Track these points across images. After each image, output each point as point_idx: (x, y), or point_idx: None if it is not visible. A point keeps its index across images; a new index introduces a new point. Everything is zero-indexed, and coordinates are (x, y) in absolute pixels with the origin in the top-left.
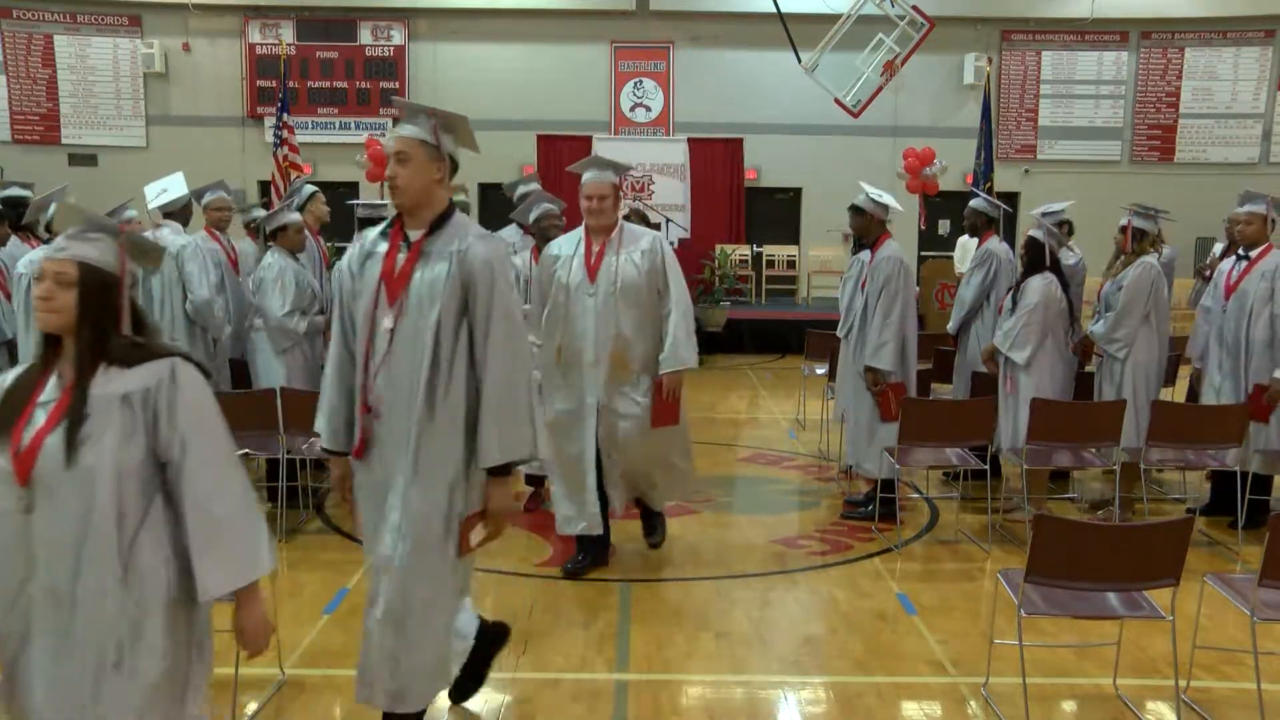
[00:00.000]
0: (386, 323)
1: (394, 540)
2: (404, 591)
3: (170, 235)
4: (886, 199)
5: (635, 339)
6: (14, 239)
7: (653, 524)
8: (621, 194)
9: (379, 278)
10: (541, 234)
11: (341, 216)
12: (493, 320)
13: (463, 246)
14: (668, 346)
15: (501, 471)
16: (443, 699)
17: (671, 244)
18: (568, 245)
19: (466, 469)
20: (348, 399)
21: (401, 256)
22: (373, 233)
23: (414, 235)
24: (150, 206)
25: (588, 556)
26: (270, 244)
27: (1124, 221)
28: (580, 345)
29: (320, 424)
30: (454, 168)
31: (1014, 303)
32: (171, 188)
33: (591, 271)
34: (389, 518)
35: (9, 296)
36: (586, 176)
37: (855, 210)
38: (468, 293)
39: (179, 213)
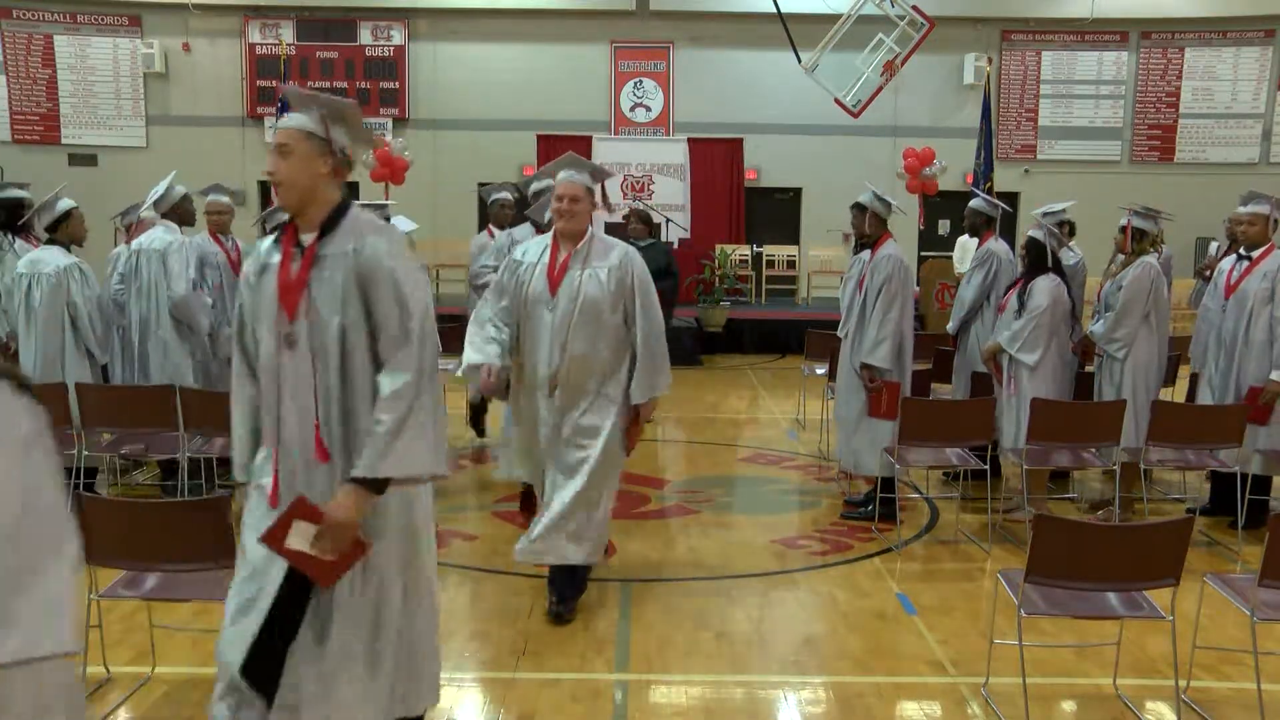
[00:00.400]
0: (288, 340)
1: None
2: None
3: (161, 233)
4: (888, 198)
5: (591, 361)
6: (19, 240)
7: (563, 588)
8: (597, 203)
9: (275, 292)
10: None
11: None
12: (388, 325)
13: (357, 245)
14: (637, 375)
15: (373, 486)
16: (443, 700)
17: (671, 244)
18: (534, 251)
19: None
20: (256, 430)
21: (295, 265)
22: (266, 242)
23: (307, 240)
24: (142, 210)
25: (564, 600)
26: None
27: (1124, 222)
28: (534, 362)
29: (233, 456)
30: (347, 163)
31: (1020, 303)
32: (158, 189)
33: (553, 283)
34: None
35: None
36: (559, 175)
37: (858, 207)
38: (368, 295)
39: (179, 212)
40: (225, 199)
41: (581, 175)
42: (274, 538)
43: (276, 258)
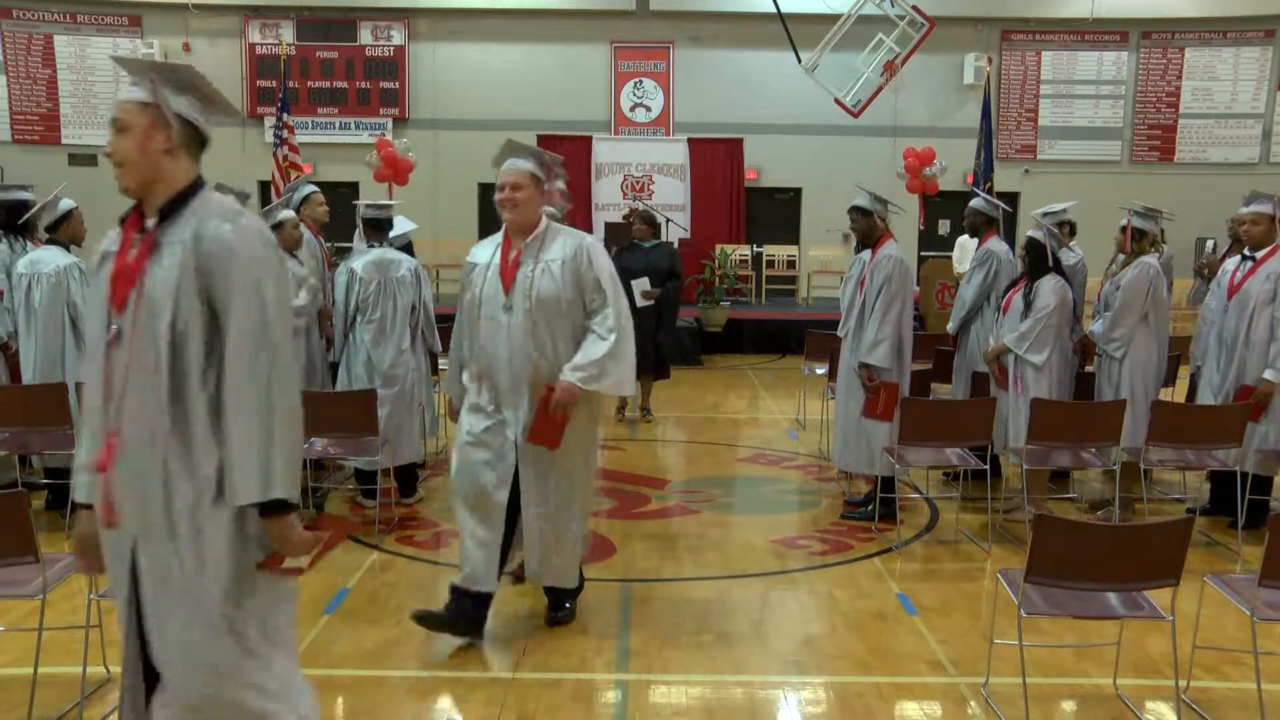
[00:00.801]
0: (117, 336)
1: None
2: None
3: None
4: (884, 198)
5: (555, 365)
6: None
7: (557, 598)
8: (547, 189)
9: (109, 280)
10: None
11: (342, 216)
12: (232, 327)
13: (197, 232)
14: (580, 353)
15: (272, 509)
16: (443, 700)
17: (672, 244)
18: (485, 250)
19: (243, 513)
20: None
21: (132, 253)
22: (114, 230)
23: (151, 223)
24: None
25: (460, 618)
26: None
27: (1124, 221)
28: (495, 369)
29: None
30: (200, 139)
31: (1026, 304)
32: None
33: (506, 282)
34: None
35: None
36: (503, 165)
37: (860, 211)
38: (210, 290)
39: None
40: (229, 199)
41: (524, 162)
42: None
43: (117, 245)
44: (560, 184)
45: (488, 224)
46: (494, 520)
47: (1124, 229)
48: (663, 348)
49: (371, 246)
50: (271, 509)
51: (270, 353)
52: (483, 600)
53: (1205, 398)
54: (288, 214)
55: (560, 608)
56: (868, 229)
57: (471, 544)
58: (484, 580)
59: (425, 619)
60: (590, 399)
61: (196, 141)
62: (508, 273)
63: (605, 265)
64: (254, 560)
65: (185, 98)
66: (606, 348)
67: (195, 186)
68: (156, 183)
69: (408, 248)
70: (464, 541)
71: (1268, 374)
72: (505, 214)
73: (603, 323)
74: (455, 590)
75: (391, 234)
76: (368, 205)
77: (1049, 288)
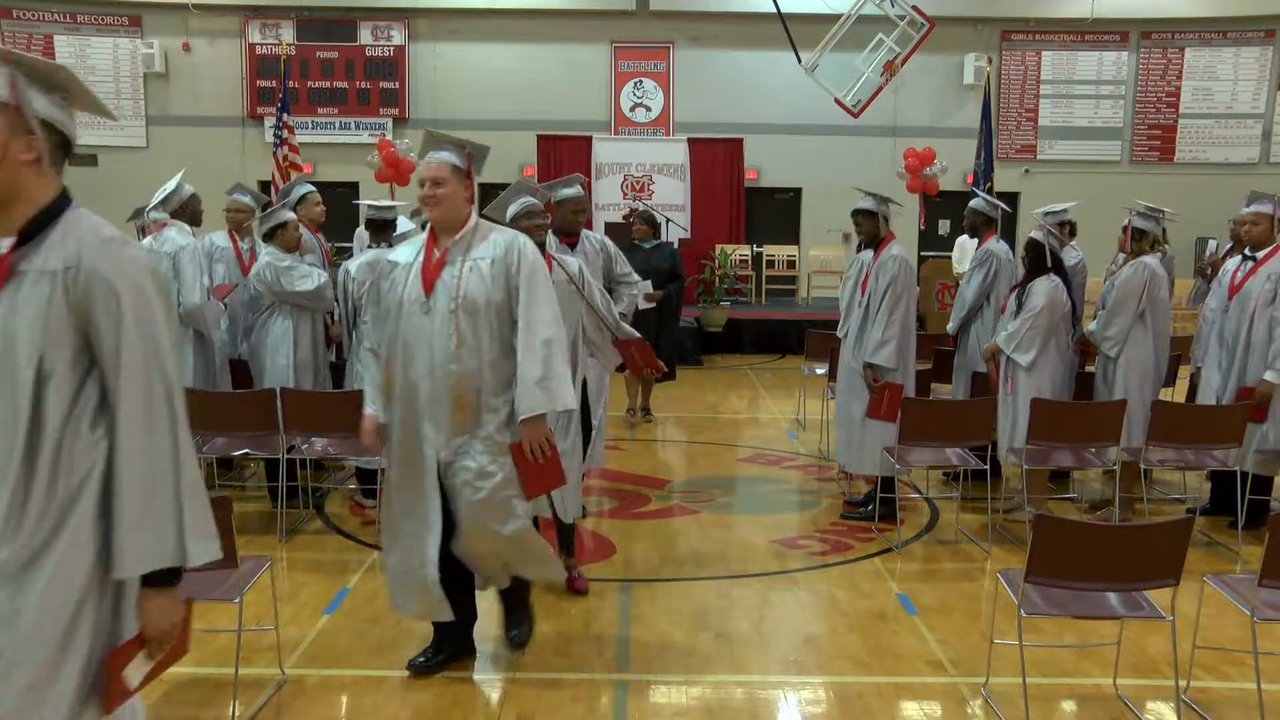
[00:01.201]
0: None
1: None
2: None
3: (174, 235)
4: (888, 198)
5: (483, 373)
6: None
7: (516, 614)
8: (474, 177)
9: None
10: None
11: (340, 217)
12: (124, 370)
13: (71, 262)
14: (520, 383)
15: (159, 580)
16: (443, 699)
17: (673, 244)
18: (408, 250)
19: (104, 578)
20: None
21: None
22: None
23: (5, 245)
24: (148, 211)
25: (440, 651)
26: (264, 242)
27: (1125, 222)
28: (414, 379)
29: None
30: (63, 143)
31: (1019, 304)
32: (167, 187)
33: (427, 282)
34: None
35: None
36: (425, 158)
37: (866, 214)
38: (88, 331)
39: (187, 212)
40: (246, 199)
41: (445, 153)
42: (115, 691)
43: None
44: (578, 189)
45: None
46: (427, 555)
47: (1125, 229)
48: (663, 350)
49: (370, 247)
50: (162, 578)
51: (168, 398)
52: (451, 628)
53: (1206, 398)
54: (289, 215)
55: (518, 622)
56: (874, 230)
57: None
58: (438, 612)
59: (421, 669)
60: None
61: (62, 150)
62: (430, 272)
63: (535, 263)
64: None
65: (47, 96)
66: (527, 372)
67: (61, 203)
68: (15, 200)
69: None
70: (391, 569)
71: (1268, 374)
72: (428, 211)
73: (530, 337)
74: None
75: (393, 235)
76: (370, 205)
77: (1041, 289)
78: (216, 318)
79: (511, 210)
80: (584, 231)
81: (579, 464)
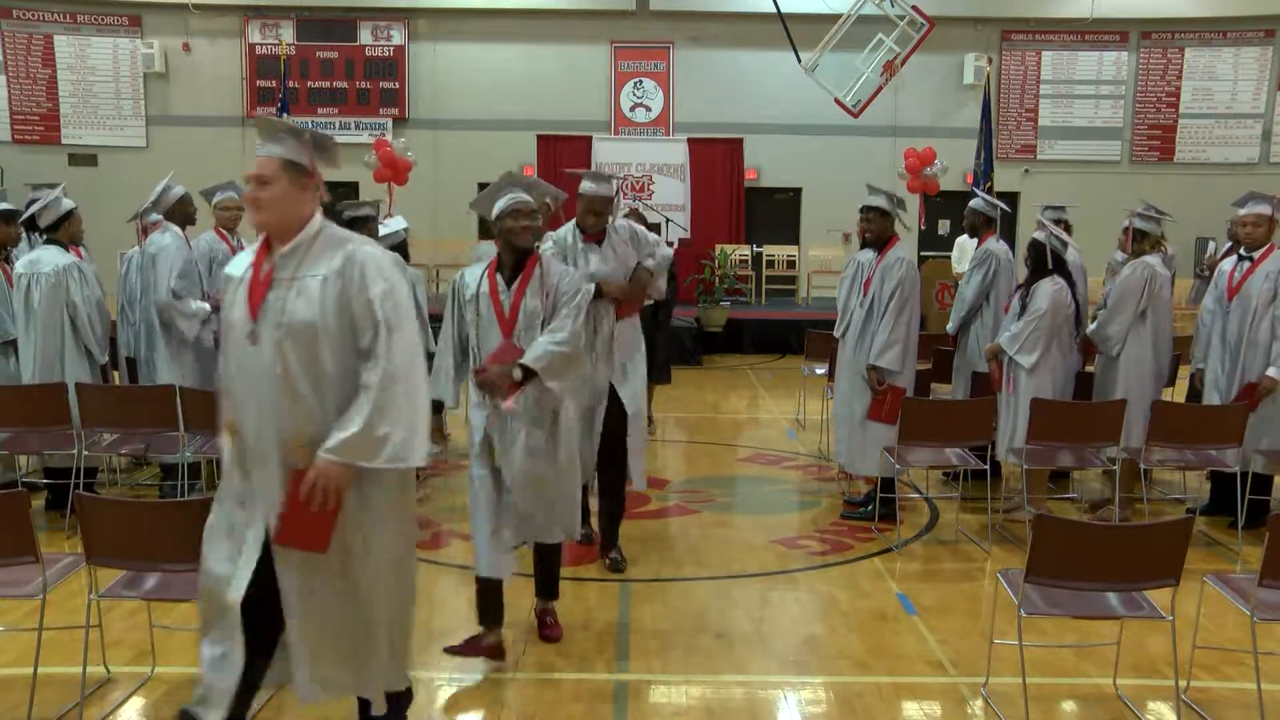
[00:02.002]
0: None
1: None
2: None
3: (156, 235)
4: (900, 198)
5: (314, 419)
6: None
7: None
8: (314, 177)
9: None
10: (506, 241)
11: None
12: None
13: None
14: (343, 420)
15: None
16: (443, 700)
17: (671, 244)
18: (240, 263)
19: None
20: None
21: None
22: None
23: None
24: (144, 212)
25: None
26: None
27: (1125, 223)
28: (241, 419)
29: None
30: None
31: (1022, 305)
32: (157, 189)
33: (254, 303)
34: None
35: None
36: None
37: (879, 212)
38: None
39: (178, 212)
40: (235, 196)
41: (275, 146)
42: None
43: None
44: (593, 184)
45: (489, 224)
46: (228, 625)
47: (1125, 229)
48: (660, 352)
49: None
50: None
51: None
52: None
53: (1211, 398)
54: None
55: None
56: (882, 229)
57: (207, 654)
58: (216, 704)
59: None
60: (384, 475)
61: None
62: (256, 291)
63: (385, 286)
64: None
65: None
66: (366, 404)
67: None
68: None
69: (402, 247)
70: (201, 651)
71: (1270, 371)
72: (251, 214)
73: (373, 369)
74: (182, 713)
75: (381, 234)
76: (345, 203)
77: (1045, 290)
78: (194, 315)
79: (497, 207)
80: (613, 225)
81: (575, 484)
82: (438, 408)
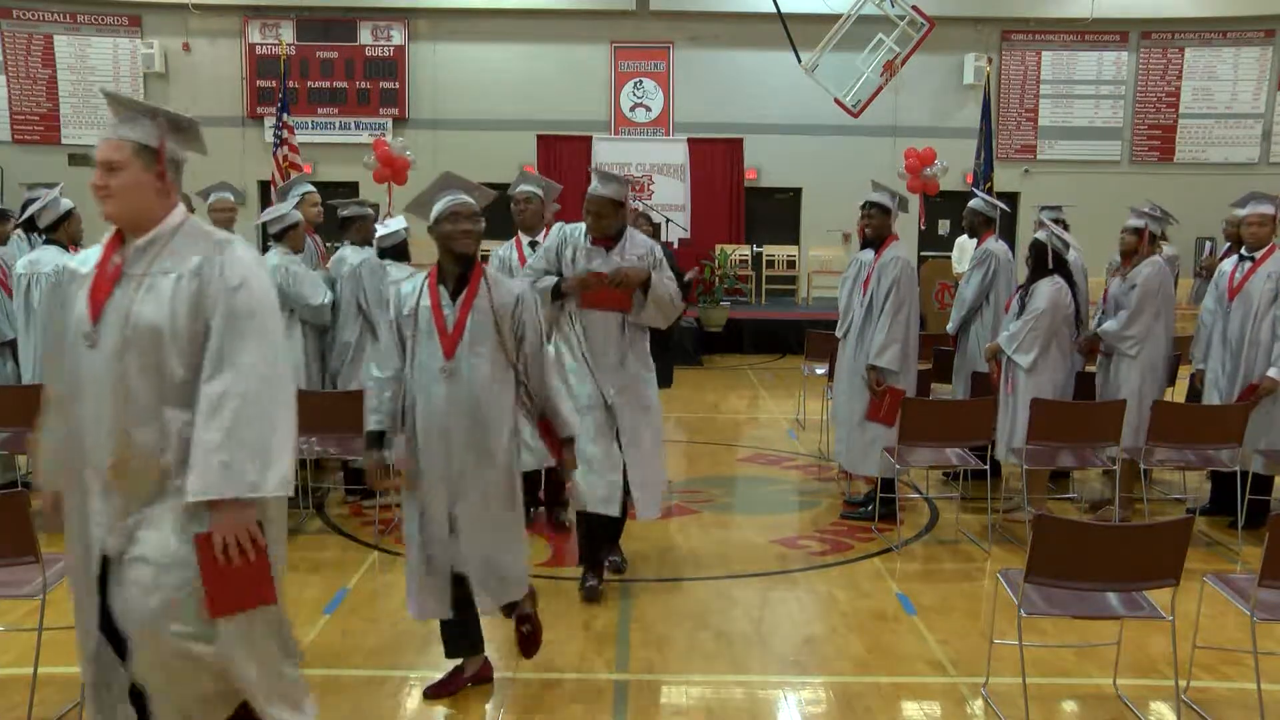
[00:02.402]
0: None
1: None
2: None
3: None
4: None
5: (159, 440)
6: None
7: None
8: (167, 166)
9: None
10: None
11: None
12: None
13: None
14: (194, 453)
15: None
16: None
17: (671, 244)
18: (87, 258)
19: None
20: None
21: None
22: None
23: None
24: None
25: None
26: (273, 243)
27: (1140, 224)
28: (78, 435)
29: None
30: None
31: (1021, 304)
32: None
33: (96, 302)
34: None
35: (10, 294)
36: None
37: (880, 209)
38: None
39: None
40: (229, 197)
41: (126, 129)
42: None
43: None
44: (600, 186)
45: (489, 224)
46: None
47: (1139, 232)
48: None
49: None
50: None
51: None
52: None
53: (1211, 398)
54: (299, 216)
55: None
56: (881, 227)
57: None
58: None
59: None
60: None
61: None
62: (101, 288)
63: (245, 288)
64: None
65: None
66: (214, 437)
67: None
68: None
69: (402, 247)
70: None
71: (1271, 371)
72: (101, 205)
73: (218, 383)
74: None
75: (381, 234)
76: (340, 203)
77: (1044, 291)
78: None
79: (435, 210)
80: (635, 235)
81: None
82: (378, 441)
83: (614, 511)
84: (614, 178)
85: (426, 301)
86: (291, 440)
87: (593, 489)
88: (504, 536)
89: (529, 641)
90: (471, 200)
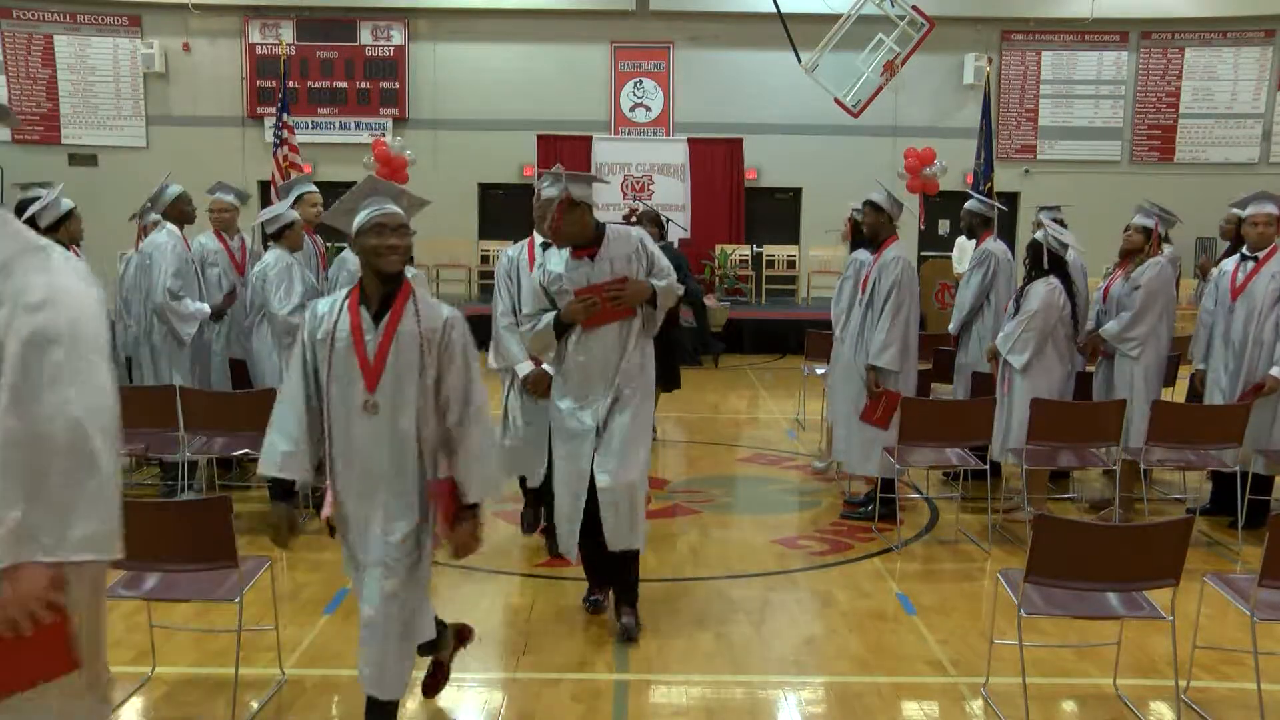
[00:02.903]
0: None
1: None
2: None
3: (153, 235)
4: (899, 198)
5: None
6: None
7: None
8: None
9: None
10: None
11: None
12: None
13: None
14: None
15: None
16: (443, 700)
17: (671, 244)
18: None
19: None
20: None
21: None
22: None
23: None
24: (146, 213)
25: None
26: (271, 243)
27: (1150, 223)
28: None
29: None
30: None
31: (1016, 305)
32: (154, 189)
33: None
34: None
35: None
36: None
37: (874, 207)
38: None
39: (176, 212)
40: (229, 197)
41: None
42: None
43: None
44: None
45: (488, 224)
46: None
47: (1148, 231)
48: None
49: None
50: None
51: None
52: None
53: (1213, 398)
54: (296, 215)
55: None
56: (876, 226)
57: None
58: None
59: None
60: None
61: None
62: None
63: (49, 312)
64: None
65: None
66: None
67: None
68: None
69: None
70: None
71: (1274, 370)
72: None
73: (8, 419)
74: None
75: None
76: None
77: (1038, 291)
78: (192, 317)
79: (357, 220)
80: (615, 231)
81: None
82: (287, 490)
83: (572, 556)
84: (558, 176)
85: (345, 325)
86: (109, 492)
87: (560, 528)
88: (416, 592)
89: (430, 683)
90: (399, 210)
